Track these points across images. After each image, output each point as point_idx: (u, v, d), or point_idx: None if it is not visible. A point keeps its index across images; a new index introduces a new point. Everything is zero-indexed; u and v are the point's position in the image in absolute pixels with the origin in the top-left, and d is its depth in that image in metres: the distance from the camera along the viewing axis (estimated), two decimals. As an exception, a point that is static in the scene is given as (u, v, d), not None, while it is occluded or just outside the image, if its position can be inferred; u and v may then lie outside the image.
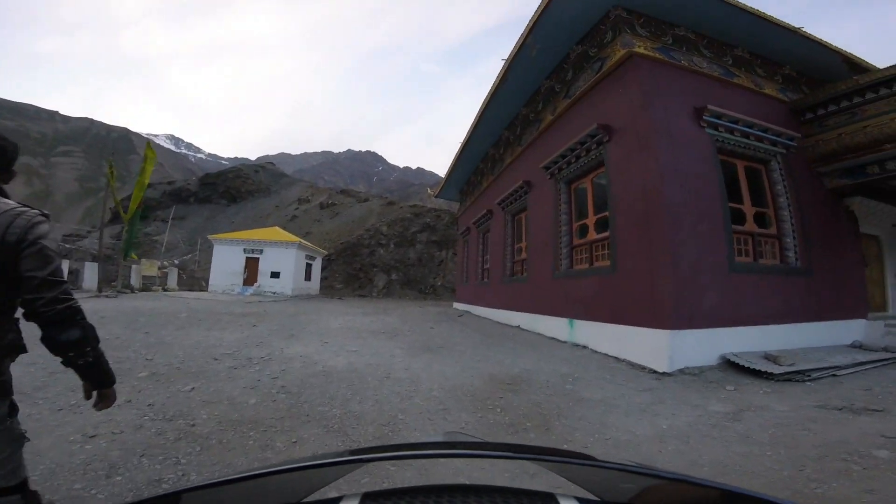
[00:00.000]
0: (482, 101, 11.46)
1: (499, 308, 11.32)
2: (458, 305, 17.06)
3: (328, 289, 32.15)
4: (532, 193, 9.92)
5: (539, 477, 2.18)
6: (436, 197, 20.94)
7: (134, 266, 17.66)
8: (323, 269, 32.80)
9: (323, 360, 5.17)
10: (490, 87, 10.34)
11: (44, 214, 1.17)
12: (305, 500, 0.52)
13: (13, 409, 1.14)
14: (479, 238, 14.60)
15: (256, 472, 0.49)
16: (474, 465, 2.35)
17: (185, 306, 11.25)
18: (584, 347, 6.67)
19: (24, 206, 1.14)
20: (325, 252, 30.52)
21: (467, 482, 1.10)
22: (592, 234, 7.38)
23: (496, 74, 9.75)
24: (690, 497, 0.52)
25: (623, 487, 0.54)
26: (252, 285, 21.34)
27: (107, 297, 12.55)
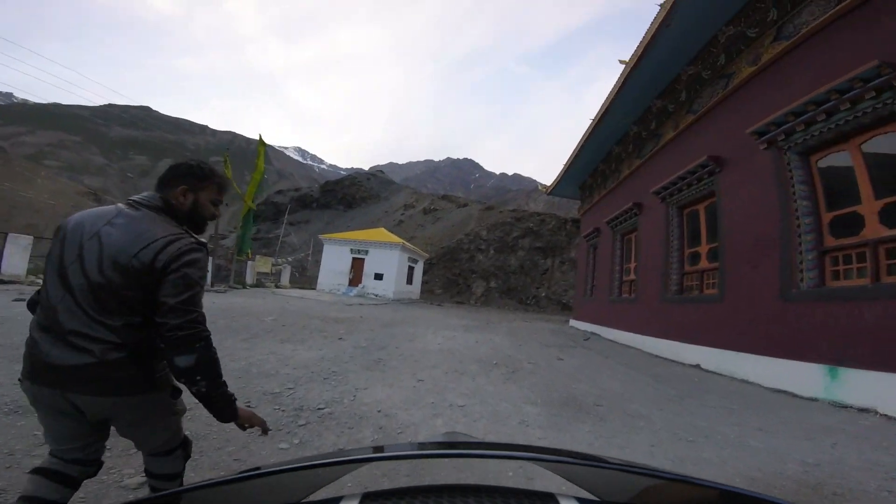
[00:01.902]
0: (622, 72, 8.97)
1: (652, 335, 8.20)
2: (576, 324, 14.02)
3: (428, 293, 31.51)
4: (727, 173, 6.69)
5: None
6: (549, 194, 18.19)
7: (249, 263, 18.77)
8: (424, 273, 32.36)
9: (412, 421, 3.17)
10: (631, 58, 8.05)
11: (199, 243, 1.20)
12: (305, 500, 0.50)
13: (175, 392, 1.29)
14: (615, 241, 11.47)
15: (256, 473, 0.49)
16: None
17: (281, 306, 10.70)
18: (869, 412, 3.56)
19: (183, 233, 1.19)
20: (427, 255, 29.89)
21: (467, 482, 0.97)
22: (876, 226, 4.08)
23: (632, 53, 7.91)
24: (690, 497, 0.51)
25: (623, 487, 0.53)
26: (357, 286, 21.32)
27: (216, 291, 12.94)
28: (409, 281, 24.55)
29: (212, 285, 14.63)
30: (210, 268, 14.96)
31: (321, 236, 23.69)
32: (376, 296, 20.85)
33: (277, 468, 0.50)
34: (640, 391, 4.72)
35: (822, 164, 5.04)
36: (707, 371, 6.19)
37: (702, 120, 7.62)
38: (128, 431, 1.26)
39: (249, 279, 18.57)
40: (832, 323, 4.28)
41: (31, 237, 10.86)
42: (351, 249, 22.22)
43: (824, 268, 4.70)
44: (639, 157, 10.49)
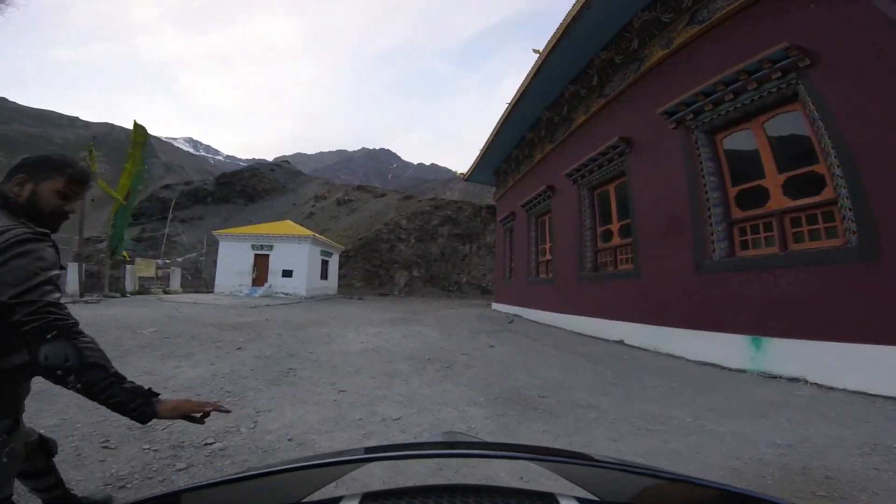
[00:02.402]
0: (531, 65, 9.16)
1: (573, 314, 8.43)
2: (498, 307, 14.22)
3: (347, 287, 29.80)
4: (637, 152, 6.95)
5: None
6: (466, 180, 18.10)
7: (128, 267, 15.49)
8: (341, 266, 30.48)
9: (335, 447, 2.45)
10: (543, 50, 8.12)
11: (36, 233, 1.03)
12: (305, 500, 0.50)
13: (14, 426, 1.12)
14: (530, 224, 11.68)
15: (256, 472, 0.49)
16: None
17: (168, 315, 8.78)
18: (799, 381, 3.81)
19: (15, 225, 1.02)
20: (343, 247, 28.11)
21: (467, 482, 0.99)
22: (780, 197, 4.43)
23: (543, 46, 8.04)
24: (690, 497, 0.51)
25: (623, 487, 0.53)
26: (262, 285, 19.00)
27: (86, 302, 10.27)
28: (324, 276, 22.76)
29: (81, 296, 11.58)
30: (78, 274, 11.81)
31: (215, 232, 20.56)
32: (286, 294, 18.85)
33: (277, 468, 0.49)
34: (579, 376, 4.58)
35: (728, 142, 5.41)
36: (632, 347, 6.38)
37: (613, 103, 7.87)
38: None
39: (130, 286, 15.29)
40: (749, 293, 4.57)
41: None
42: (252, 245, 19.66)
43: (734, 238, 5.04)
44: (551, 141, 10.72)
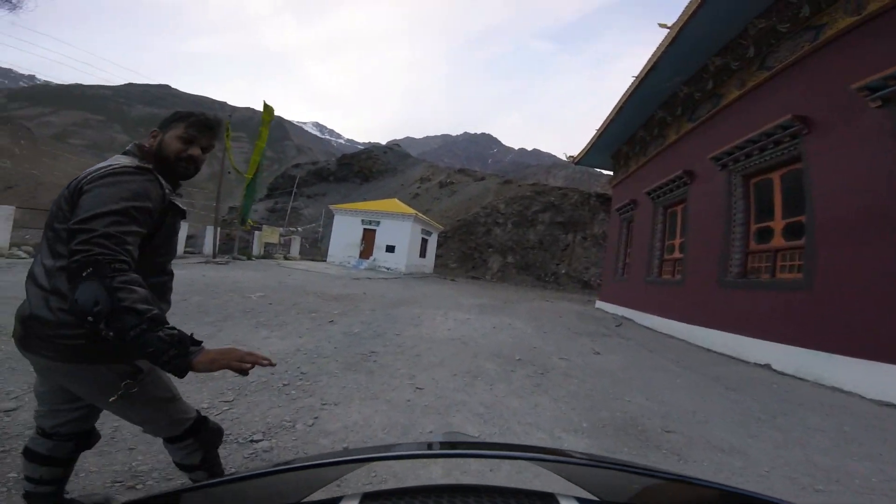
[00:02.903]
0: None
1: (703, 325, 6.88)
2: (603, 305, 12.70)
3: (442, 267, 30.47)
4: (819, 135, 5.17)
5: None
6: (576, 163, 16.45)
7: (257, 233, 17.92)
8: (438, 246, 31.21)
9: (393, 472, 2.01)
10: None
11: (137, 168, 1.03)
12: (305, 500, 0.49)
13: (132, 371, 1.07)
14: (656, 214, 9.93)
15: (256, 472, 0.48)
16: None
17: (279, 280, 9.74)
18: None
19: (130, 163, 1.04)
20: (441, 227, 28.65)
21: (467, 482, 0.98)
22: None
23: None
24: (690, 497, 0.51)
25: (623, 487, 0.53)
26: (368, 258, 20.37)
27: (217, 263, 12.11)
28: (423, 254, 23.46)
29: (214, 256, 13.86)
30: (213, 237, 14.09)
31: (331, 206, 22.63)
32: (388, 269, 19.88)
33: (277, 468, 0.49)
34: (715, 407, 3.49)
35: None
36: (781, 374, 4.91)
37: (780, 76, 6.07)
38: (102, 409, 1.15)
39: (256, 250, 17.80)
40: None
41: (13, 207, 10.01)
42: (362, 220, 21.11)
43: None
44: (690, 120, 8.83)
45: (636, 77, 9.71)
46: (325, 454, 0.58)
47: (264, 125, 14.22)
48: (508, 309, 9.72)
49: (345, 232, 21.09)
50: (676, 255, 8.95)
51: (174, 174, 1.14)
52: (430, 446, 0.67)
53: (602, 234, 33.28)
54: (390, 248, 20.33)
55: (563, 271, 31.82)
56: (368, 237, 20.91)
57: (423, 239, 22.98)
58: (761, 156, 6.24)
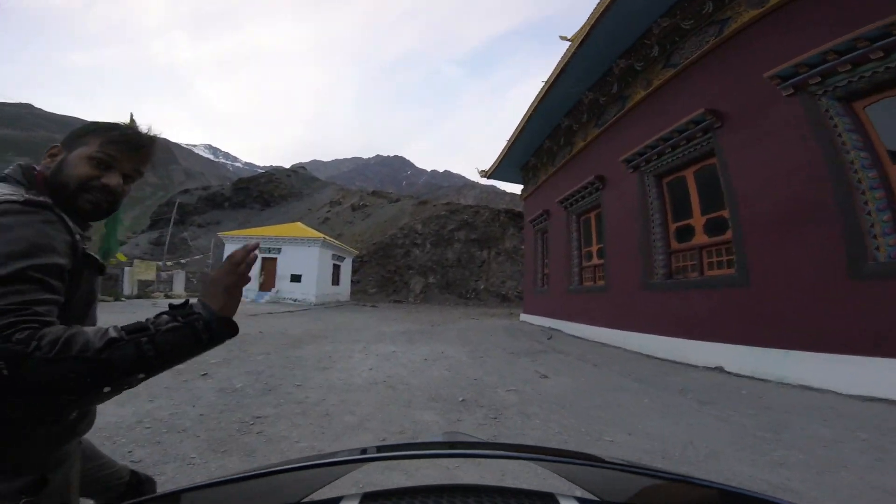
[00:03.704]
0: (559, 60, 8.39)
1: (636, 330, 6.72)
2: (528, 318, 12.52)
3: (360, 293, 28.46)
4: (732, 128, 5.33)
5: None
6: (488, 177, 16.54)
7: (126, 269, 14.41)
8: (355, 272, 29.21)
9: None
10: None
11: (31, 203, 0.66)
12: (305, 500, 0.49)
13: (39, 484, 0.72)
14: (570, 223, 10.00)
15: (256, 472, 0.48)
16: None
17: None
18: None
19: (8, 195, 0.66)
20: (356, 252, 26.84)
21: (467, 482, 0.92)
22: None
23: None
24: (690, 497, 0.51)
25: (623, 487, 0.53)
26: (269, 291, 17.75)
27: None
28: (336, 281, 21.43)
29: None
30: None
31: (221, 234, 19.49)
32: (294, 301, 17.53)
33: (277, 468, 0.48)
34: (706, 430, 2.93)
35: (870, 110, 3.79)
36: (738, 376, 4.69)
37: (686, 73, 6.28)
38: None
39: (127, 289, 14.20)
40: None
41: None
42: (259, 248, 18.47)
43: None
44: (598, 125, 9.10)
45: (544, 83, 9.86)
46: (325, 454, 0.53)
47: None
48: (437, 333, 8.76)
49: (240, 262, 18.22)
50: (596, 261, 9.01)
51: (77, 211, 0.76)
52: (430, 446, 0.66)
53: (513, 248, 34.80)
54: (296, 278, 18.01)
55: (483, 287, 32.21)
56: (268, 267, 18.33)
57: (334, 265, 21.02)
58: (674, 154, 6.37)
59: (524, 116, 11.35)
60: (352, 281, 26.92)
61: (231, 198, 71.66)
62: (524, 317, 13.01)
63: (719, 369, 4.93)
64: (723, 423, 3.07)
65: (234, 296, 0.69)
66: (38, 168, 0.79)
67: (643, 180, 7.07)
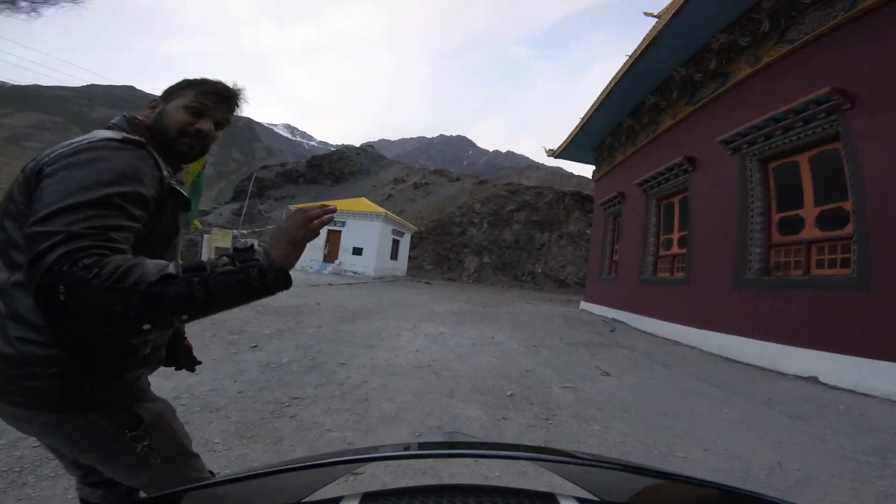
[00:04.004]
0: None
1: (721, 331, 5.83)
2: (588, 307, 11.69)
3: (416, 269, 29.03)
4: (863, 110, 4.22)
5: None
6: (555, 157, 15.49)
7: (205, 236, 15.92)
8: (412, 248, 29.79)
9: None
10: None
11: (122, 141, 0.72)
12: (305, 500, 0.48)
13: (131, 419, 0.79)
14: (649, 207, 8.96)
15: (256, 472, 0.47)
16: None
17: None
18: None
19: (107, 136, 0.73)
20: (415, 228, 27.21)
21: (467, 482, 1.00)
22: None
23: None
24: (690, 497, 0.51)
25: (623, 487, 0.52)
26: (332, 262, 18.66)
27: None
28: (394, 256, 21.94)
29: None
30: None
31: (291, 206, 20.72)
32: (355, 273, 18.25)
33: (277, 468, 0.48)
34: (799, 450, 2.40)
35: None
36: (834, 388, 3.93)
37: (811, 48, 5.11)
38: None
39: (205, 255, 15.78)
40: None
41: None
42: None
43: None
44: (690, 103, 7.90)
45: (628, 58, 8.74)
46: (325, 454, 0.52)
47: None
48: (488, 316, 8.45)
49: (308, 233, 19.29)
50: (676, 250, 7.97)
51: (174, 153, 0.85)
52: (430, 446, 0.67)
53: (578, 232, 32.88)
54: (357, 251, 18.68)
55: (540, 270, 31.11)
56: (333, 239, 19.19)
57: (394, 240, 21.46)
58: (786, 136, 5.29)
59: (602, 92, 10.26)
60: (410, 257, 27.47)
61: (305, 174, 76.48)
62: (584, 305, 12.18)
63: (813, 380, 4.14)
64: (818, 442, 2.48)
65: (297, 249, 0.69)
66: (139, 117, 0.87)
67: (744, 164, 6.00)
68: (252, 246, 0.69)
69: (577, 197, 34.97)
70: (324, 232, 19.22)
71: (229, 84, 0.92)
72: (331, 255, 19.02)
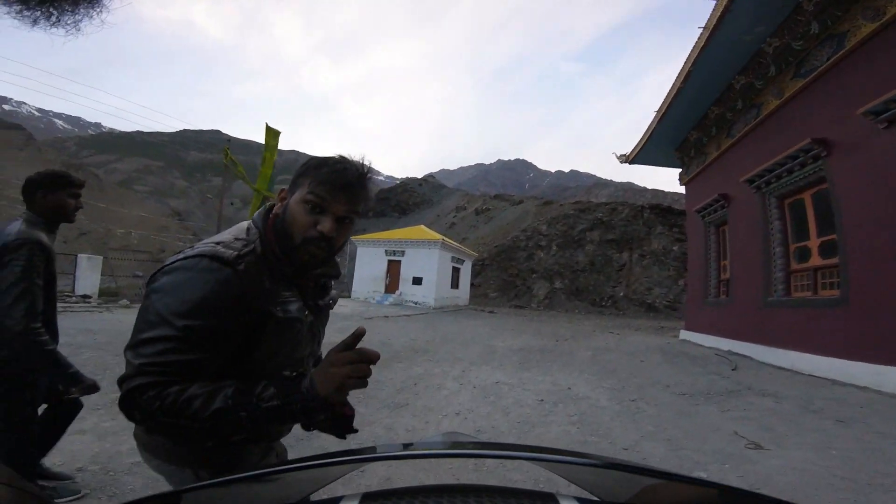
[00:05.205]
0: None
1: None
2: (691, 336, 9.43)
3: (481, 297, 27.67)
4: None
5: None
6: (629, 163, 13.61)
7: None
8: (476, 275, 28.66)
9: None
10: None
11: (216, 258, 0.72)
12: (305, 500, 0.49)
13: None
14: (769, 209, 6.92)
15: (256, 472, 0.48)
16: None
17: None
18: None
19: (192, 247, 0.76)
20: (475, 254, 26.17)
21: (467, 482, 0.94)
22: None
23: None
24: (690, 497, 0.50)
25: (623, 487, 0.52)
26: (394, 293, 18.24)
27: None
28: (455, 284, 20.94)
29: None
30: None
31: (353, 238, 21.01)
32: (415, 303, 17.54)
33: (277, 468, 0.49)
34: None
35: None
36: None
37: None
38: None
39: None
40: None
41: (101, 257, 11.13)
42: (386, 251, 19.16)
43: None
44: (799, 75, 6.11)
45: (702, 30, 7.12)
46: (325, 454, 0.51)
47: (269, 149, 12.78)
48: (562, 353, 6.90)
49: (368, 264, 19.16)
50: (817, 262, 5.84)
51: (296, 264, 0.76)
52: (430, 446, 0.65)
53: (662, 249, 29.15)
54: (417, 280, 18.04)
55: (622, 294, 27.82)
56: (393, 269, 18.86)
57: (454, 268, 20.55)
58: None
59: (677, 79, 8.58)
60: (472, 284, 26.32)
61: (374, 208, 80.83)
62: (686, 334, 9.88)
63: None
64: None
65: (342, 390, 0.67)
66: (273, 211, 0.80)
67: None
68: (299, 375, 0.71)
69: (657, 210, 31.38)
70: (385, 262, 19.10)
71: (353, 162, 0.77)
72: (392, 285, 18.65)
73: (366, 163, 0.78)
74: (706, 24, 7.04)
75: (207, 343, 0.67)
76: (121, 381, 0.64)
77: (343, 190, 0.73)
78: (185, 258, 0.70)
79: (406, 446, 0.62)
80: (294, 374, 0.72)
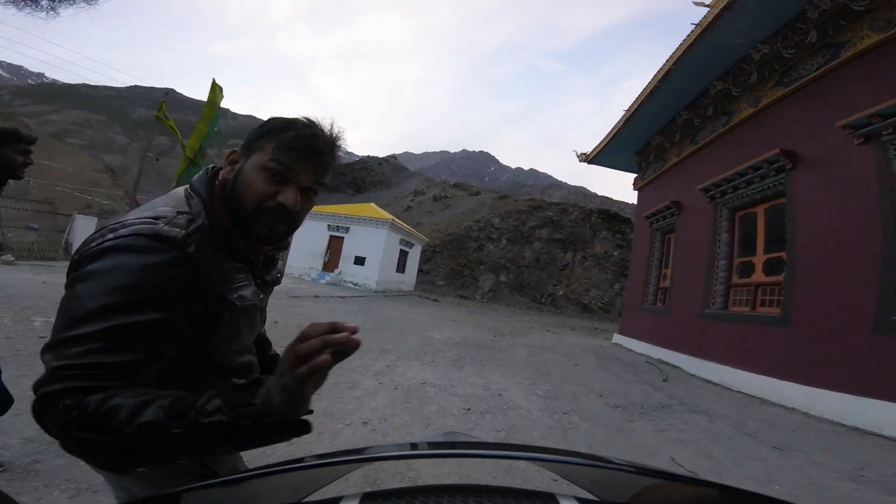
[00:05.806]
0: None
1: (852, 392, 3.73)
2: (624, 341, 9.53)
3: (427, 285, 27.14)
4: None
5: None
6: (588, 162, 13.57)
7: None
8: (426, 261, 28.03)
9: None
10: None
11: (158, 237, 0.58)
12: (305, 500, 0.47)
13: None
14: (720, 219, 6.90)
15: (256, 472, 0.46)
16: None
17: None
18: None
19: (135, 222, 0.59)
20: (426, 239, 25.45)
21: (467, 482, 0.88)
22: None
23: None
24: (690, 497, 0.50)
25: (623, 487, 0.52)
26: (332, 271, 17.03)
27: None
28: (401, 269, 20.12)
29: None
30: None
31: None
32: (355, 285, 16.51)
33: (277, 468, 0.47)
34: None
35: None
36: None
37: None
38: None
39: None
40: None
41: (96, 218, 10.42)
42: (329, 226, 17.78)
43: None
44: (781, 84, 6.05)
45: (694, 27, 6.87)
46: (325, 454, 0.51)
47: (210, 106, 10.87)
48: (499, 350, 6.47)
49: (308, 239, 17.61)
50: (761, 277, 5.86)
51: (253, 237, 0.65)
52: (429, 446, 0.66)
53: (604, 253, 30.42)
54: (359, 260, 16.95)
55: (561, 293, 28.70)
56: (335, 246, 17.58)
57: (402, 250, 19.69)
58: None
59: (652, 81, 8.40)
60: (421, 270, 25.66)
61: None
62: (619, 338, 10.00)
63: None
64: None
65: (295, 395, 0.49)
66: (220, 176, 0.68)
67: (885, 157, 3.93)
68: (255, 382, 0.53)
69: (604, 215, 32.66)
70: (327, 238, 17.75)
71: (322, 127, 0.66)
72: (332, 263, 17.38)
73: (336, 129, 0.68)
74: (700, 21, 6.78)
75: (146, 341, 0.55)
76: (35, 388, 0.52)
77: (311, 158, 0.64)
78: (116, 238, 0.55)
79: (406, 447, 0.65)
80: (246, 381, 0.54)
